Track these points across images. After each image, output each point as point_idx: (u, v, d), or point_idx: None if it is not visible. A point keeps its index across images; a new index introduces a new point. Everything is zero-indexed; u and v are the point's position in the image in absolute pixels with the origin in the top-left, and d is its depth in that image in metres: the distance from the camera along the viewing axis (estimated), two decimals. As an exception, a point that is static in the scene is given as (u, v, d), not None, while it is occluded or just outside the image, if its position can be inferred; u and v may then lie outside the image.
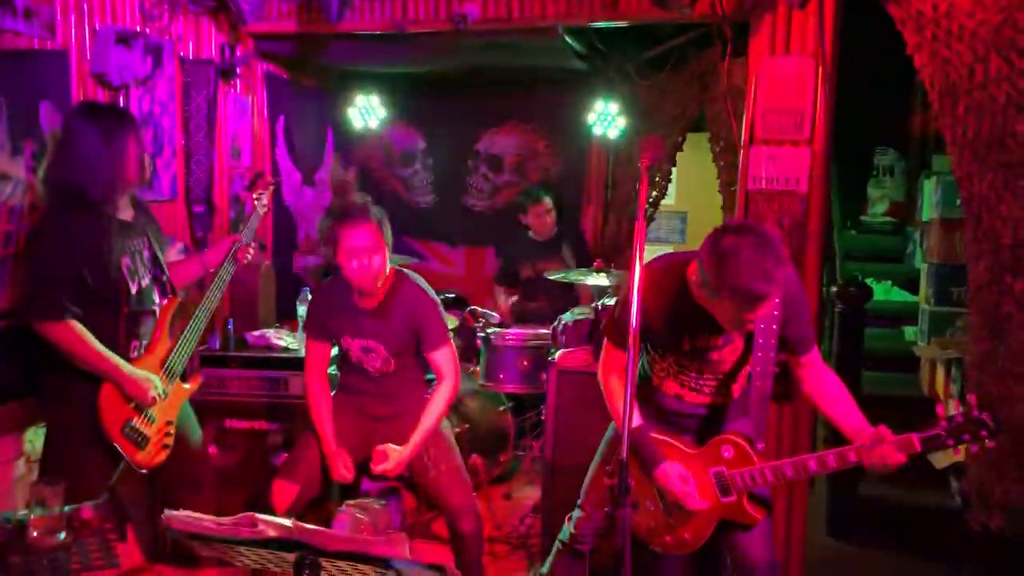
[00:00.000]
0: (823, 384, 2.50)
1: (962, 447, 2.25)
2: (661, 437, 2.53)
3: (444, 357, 3.14)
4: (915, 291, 5.70)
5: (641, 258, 1.99)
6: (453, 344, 3.19)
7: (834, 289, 4.55)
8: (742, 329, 2.30)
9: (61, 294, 2.57)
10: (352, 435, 3.19)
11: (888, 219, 6.81)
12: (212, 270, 3.10)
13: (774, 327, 2.36)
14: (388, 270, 3.05)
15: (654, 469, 2.45)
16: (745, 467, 2.43)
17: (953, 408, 2.29)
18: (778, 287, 2.14)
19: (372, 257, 2.93)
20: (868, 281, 4.98)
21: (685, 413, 2.57)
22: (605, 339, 2.61)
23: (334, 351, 3.32)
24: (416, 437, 3.06)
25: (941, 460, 4.43)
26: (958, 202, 3.11)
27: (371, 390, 3.21)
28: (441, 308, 3.17)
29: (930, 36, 2.91)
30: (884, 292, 6.00)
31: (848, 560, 4.02)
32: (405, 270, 3.19)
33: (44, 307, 2.58)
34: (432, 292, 3.18)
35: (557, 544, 2.87)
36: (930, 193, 5.37)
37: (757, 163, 3.36)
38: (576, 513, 2.78)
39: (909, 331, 5.57)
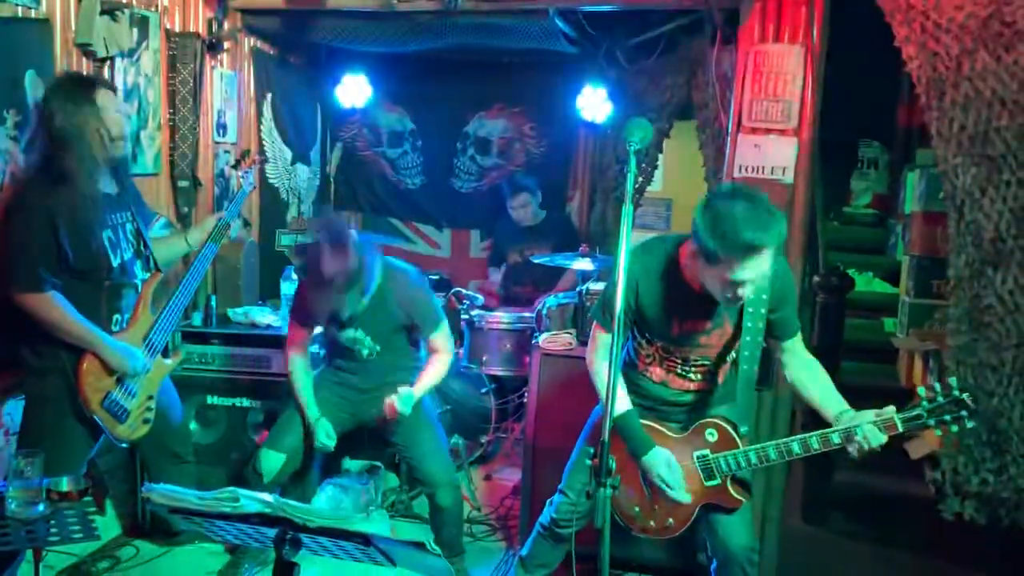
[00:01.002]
0: (806, 370, 2.51)
1: (940, 431, 2.28)
2: (646, 423, 2.54)
3: (440, 338, 3.22)
4: (896, 283, 5.73)
5: (628, 242, 1.99)
6: (446, 320, 3.24)
7: (816, 279, 4.57)
8: (735, 299, 2.28)
9: (41, 266, 2.54)
10: (337, 407, 3.23)
11: (871, 211, 6.83)
12: (196, 248, 3.07)
13: (763, 311, 2.37)
14: (376, 264, 3.02)
15: (642, 455, 2.46)
16: (729, 450, 2.45)
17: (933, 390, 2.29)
18: (772, 238, 2.14)
19: (350, 268, 2.86)
20: (850, 272, 5.00)
21: (670, 400, 2.58)
22: (593, 322, 2.61)
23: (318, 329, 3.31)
24: (419, 386, 3.13)
25: (917, 450, 4.48)
26: (941, 195, 3.12)
27: (357, 370, 3.25)
28: (431, 294, 3.22)
29: (918, 28, 2.92)
30: (865, 283, 6.02)
31: (822, 546, 4.06)
32: (394, 263, 3.19)
33: (24, 279, 2.55)
34: (421, 280, 3.21)
35: (537, 527, 2.88)
36: (913, 186, 5.39)
37: (743, 151, 3.37)
38: (558, 498, 2.79)
39: (889, 322, 5.60)
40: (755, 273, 2.19)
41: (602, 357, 2.50)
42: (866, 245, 6.44)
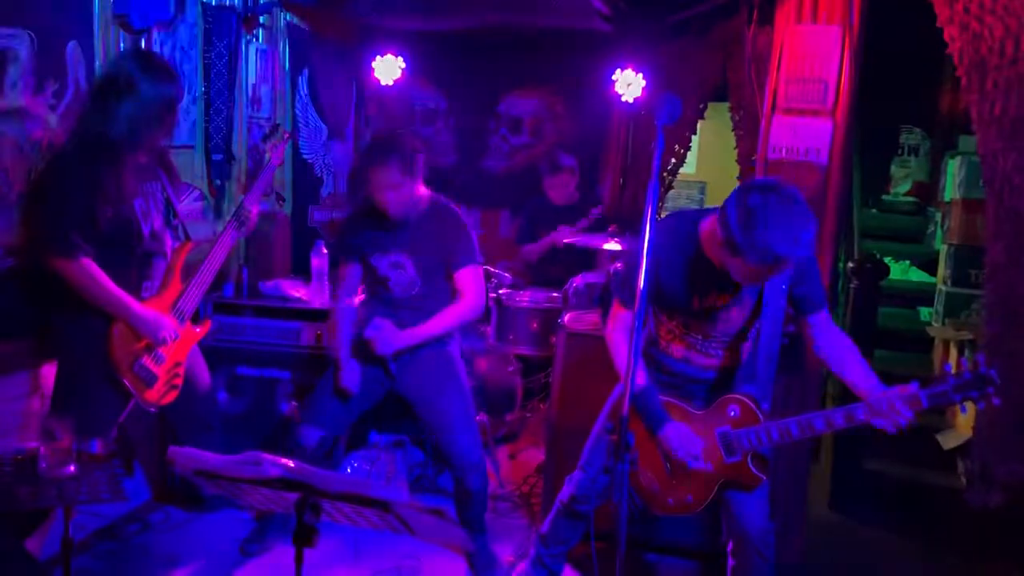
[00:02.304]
0: (834, 345, 2.47)
1: (968, 407, 2.21)
2: (667, 400, 2.54)
3: (468, 276, 3.12)
4: (933, 272, 5.65)
5: (652, 219, 1.98)
6: (481, 268, 3.19)
7: (850, 265, 4.52)
8: (756, 284, 2.29)
9: (74, 232, 2.59)
10: (372, 378, 3.20)
11: (910, 199, 6.73)
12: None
13: (783, 287, 2.35)
14: (423, 196, 3.10)
15: (659, 429, 2.46)
16: (751, 426, 2.43)
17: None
18: (804, 249, 2.10)
19: (399, 190, 2.98)
20: (886, 260, 4.93)
21: (691, 377, 2.57)
22: (614, 298, 2.60)
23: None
24: (411, 335, 3.06)
25: (949, 440, 4.43)
26: (981, 183, 3.06)
27: (396, 314, 3.16)
28: (472, 233, 3.17)
29: (961, 9, 2.85)
30: (901, 272, 5.94)
31: (849, 534, 4.03)
32: (442, 198, 3.21)
33: (57, 244, 2.60)
34: (466, 219, 3.20)
35: (556, 504, 2.89)
36: (954, 173, 5.30)
37: (778, 133, 3.32)
38: (577, 474, 2.80)
39: (924, 312, 5.53)
40: (780, 274, 2.19)
41: (621, 332, 2.52)
42: (904, 233, 6.35)
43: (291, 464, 1.79)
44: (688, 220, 2.42)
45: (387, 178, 2.97)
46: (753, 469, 2.45)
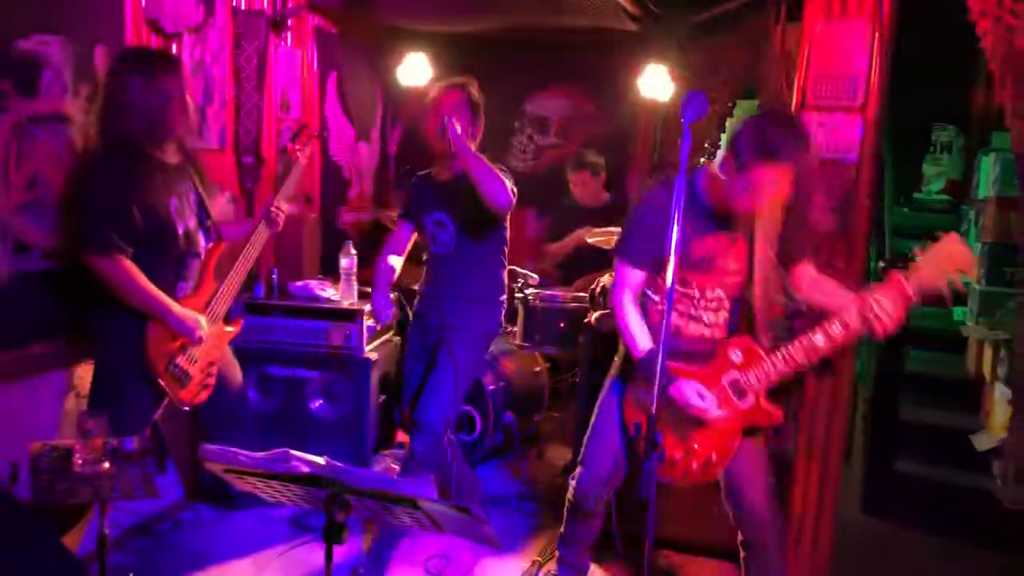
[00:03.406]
0: (819, 281, 2.60)
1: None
2: (671, 363, 2.52)
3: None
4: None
5: (680, 215, 1.99)
6: (512, 186, 3.18)
7: (881, 264, 4.47)
8: (756, 206, 2.39)
9: (112, 231, 2.64)
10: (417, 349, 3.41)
11: (943, 197, 6.63)
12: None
13: (773, 235, 2.47)
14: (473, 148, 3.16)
15: (669, 388, 2.45)
16: (757, 365, 2.46)
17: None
18: (803, 144, 2.31)
19: (452, 118, 3.09)
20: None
21: (684, 351, 2.55)
22: (616, 260, 2.64)
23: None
24: (467, 144, 3.11)
25: (983, 442, 4.36)
26: (1015, 180, 3.02)
27: (438, 276, 3.34)
28: (507, 175, 3.21)
29: (994, 2, 2.81)
30: (934, 271, 5.86)
31: (882, 537, 3.99)
32: None
33: (96, 243, 2.65)
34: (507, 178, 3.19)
35: (566, 504, 2.89)
36: (987, 170, 5.22)
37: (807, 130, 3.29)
38: (580, 471, 2.79)
39: (958, 311, 5.45)
40: (780, 183, 2.32)
41: (628, 295, 2.57)
42: (937, 232, 6.25)
43: (320, 461, 1.81)
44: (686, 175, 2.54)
45: (445, 100, 3.23)
46: (767, 408, 2.48)
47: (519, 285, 4.40)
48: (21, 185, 2.76)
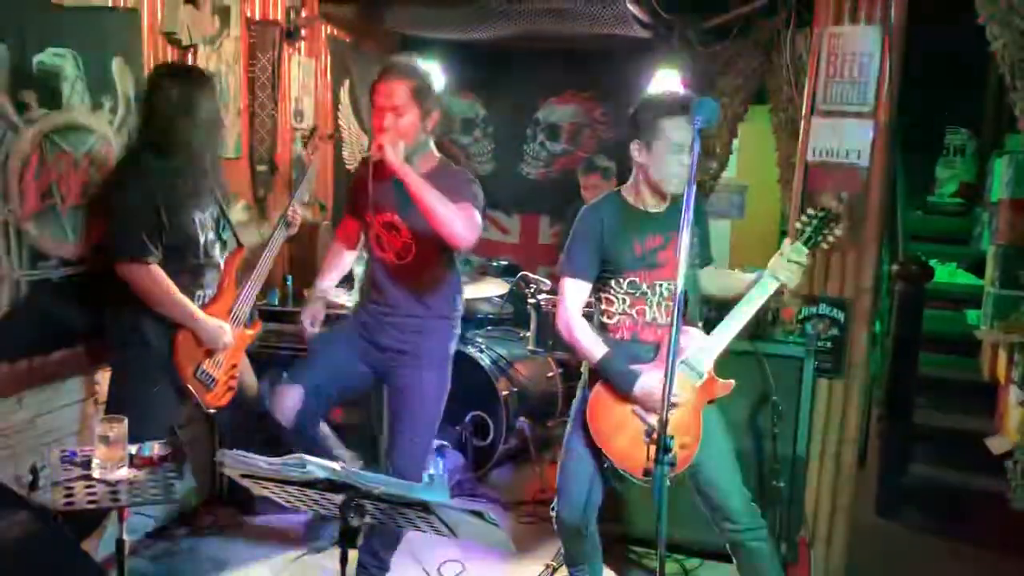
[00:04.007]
0: (721, 274, 2.81)
1: (826, 244, 2.57)
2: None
3: (469, 208, 2.74)
4: (980, 274, 5.54)
5: (688, 222, 2.01)
6: (476, 210, 2.75)
7: (894, 268, 4.46)
8: (680, 170, 2.52)
9: (146, 236, 2.69)
10: (354, 349, 2.96)
11: (957, 200, 6.61)
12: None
13: (695, 239, 2.58)
14: (433, 155, 2.85)
15: (635, 384, 2.51)
16: (698, 345, 2.55)
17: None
18: (695, 106, 2.29)
19: (398, 117, 2.68)
20: (932, 263, 4.85)
21: (641, 357, 2.60)
22: (562, 278, 2.68)
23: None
24: (410, 173, 2.63)
25: (997, 445, 4.33)
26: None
27: (384, 286, 2.89)
28: (477, 186, 2.83)
29: (1004, 5, 2.81)
30: (948, 274, 5.83)
31: (896, 540, 3.98)
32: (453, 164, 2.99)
33: (132, 247, 2.69)
34: (473, 178, 2.90)
35: (557, 531, 2.86)
36: (1000, 173, 5.19)
37: (818, 134, 3.30)
38: (556, 500, 2.79)
39: (972, 314, 5.42)
40: (686, 135, 2.43)
41: (575, 309, 2.63)
42: (951, 235, 6.24)
43: (335, 466, 1.83)
44: (609, 193, 2.77)
45: (386, 98, 2.68)
46: (720, 380, 2.59)
47: (531, 291, 4.42)
48: (38, 195, 2.80)
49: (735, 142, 4.90)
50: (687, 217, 2.03)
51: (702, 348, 2.55)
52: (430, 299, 2.89)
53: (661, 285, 2.60)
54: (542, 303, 4.33)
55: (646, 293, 2.61)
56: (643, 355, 2.60)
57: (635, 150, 2.59)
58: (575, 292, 2.65)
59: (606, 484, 2.75)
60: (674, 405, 2.49)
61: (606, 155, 5.24)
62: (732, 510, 2.62)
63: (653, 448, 1.86)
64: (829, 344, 3.31)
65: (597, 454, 2.64)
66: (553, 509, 2.83)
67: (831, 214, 2.56)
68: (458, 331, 3.01)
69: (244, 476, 1.93)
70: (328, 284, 3.13)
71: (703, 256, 2.76)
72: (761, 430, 3.18)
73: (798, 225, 2.60)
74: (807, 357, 3.15)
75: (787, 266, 2.52)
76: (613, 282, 2.64)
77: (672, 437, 1.89)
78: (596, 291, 2.69)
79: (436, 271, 2.90)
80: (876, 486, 4.28)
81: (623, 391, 2.55)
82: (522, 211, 6.07)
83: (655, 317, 2.61)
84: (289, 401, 2.89)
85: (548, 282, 4.58)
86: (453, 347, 3.00)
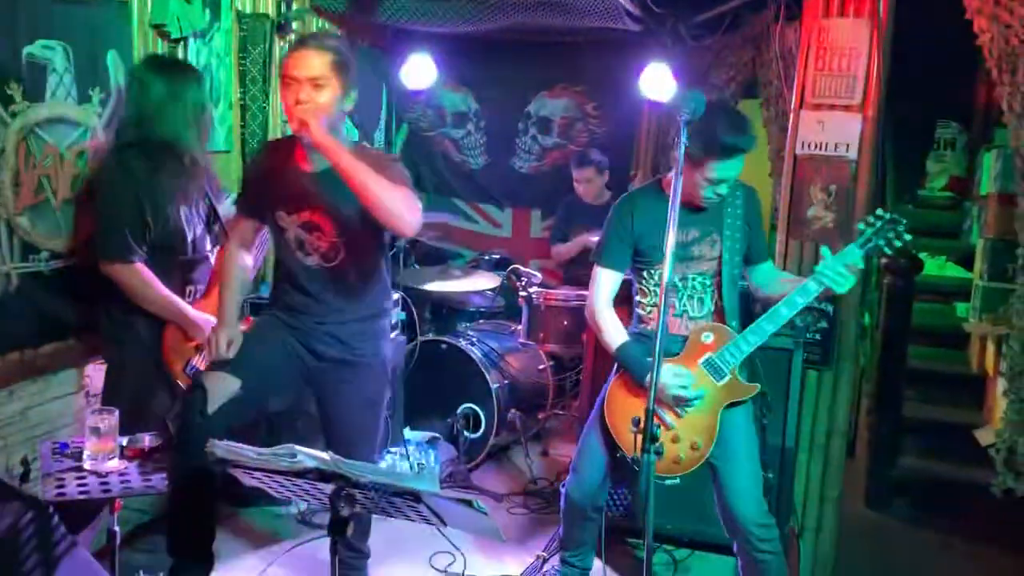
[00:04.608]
0: (773, 275, 2.77)
1: (889, 249, 2.52)
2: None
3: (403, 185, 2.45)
4: (970, 267, 5.57)
5: (675, 216, 2.03)
6: (410, 191, 2.45)
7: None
8: (716, 197, 2.54)
9: (131, 236, 2.68)
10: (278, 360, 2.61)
11: (947, 194, 6.64)
12: None
13: (739, 222, 2.63)
14: (346, 137, 2.54)
15: (645, 378, 2.49)
16: (728, 343, 2.55)
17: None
18: (747, 143, 2.48)
19: (317, 91, 2.36)
20: (921, 256, 4.88)
21: (666, 348, 2.54)
22: (595, 267, 2.71)
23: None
24: (344, 151, 2.34)
25: (986, 436, 4.37)
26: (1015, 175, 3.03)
27: (310, 292, 2.56)
28: (403, 167, 2.54)
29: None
30: (938, 268, 5.87)
31: (886, 532, 4.01)
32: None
33: (116, 248, 2.69)
34: (397, 157, 2.67)
35: (561, 511, 2.89)
36: (989, 166, 5.23)
37: (806, 127, 3.32)
38: (568, 477, 2.82)
39: (961, 307, 5.45)
40: (731, 173, 2.49)
41: (605, 299, 2.66)
42: (940, 228, 6.27)
43: (326, 456, 1.85)
44: (650, 182, 2.79)
45: (300, 69, 2.34)
46: (744, 381, 2.59)
47: (523, 283, 4.43)
48: (30, 188, 2.80)
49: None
50: (674, 205, 2.04)
51: (730, 348, 2.56)
52: (368, 299, 2.62)
53: (693, 279, 2.63)
54: (533, 296, 4.35)
55: (677, 286, 2.63)
56: (672, 347, 2.61)
57: (674, 156, 2.40)
58: (604, 281, 2.68)
59: (619, 477, 2.76)
60: (688, 403, 2.52)
61: (598, 149, 5.26)
62: (743, 518, 2.58)
63: (640, 437, 1.87)
64: (818, 336, 3.33)
65: (614, 444, 2.66)
66: (563, 486, 2.85)
67: (897, 219, 2.50)
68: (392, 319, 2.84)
69: (235, 466, 1.94)
70: (234, 308, 2.65)
71: (756, 253, 2.74)
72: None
73: (860, 226, 2.54)
74: (796, 349, 3.17)
75: (839, 271, 2.45)
76: (645, 273, 2.69)
77: (659, 426, 1.91)
78: (632, 282, 2.75)
79: (370, 268, 2.61)
80: (865, 478, 4.31)
81: (637, 380, 2.57)
82: (514, 205, 6.09)
83: (685, 310, 2.64)
84: (219, 389, 2.46)
85: (539, 275, 4.61)
86: (390, 348, 2.82)
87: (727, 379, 2.55)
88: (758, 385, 2.59)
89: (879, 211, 2.51)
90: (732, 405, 2.58)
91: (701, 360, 2.58)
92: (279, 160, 2.53)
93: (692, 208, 2.59)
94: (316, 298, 2.56)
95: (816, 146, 3.32)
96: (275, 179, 2.52)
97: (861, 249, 2.48)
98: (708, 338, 2.60)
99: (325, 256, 2.52)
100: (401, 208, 2.34)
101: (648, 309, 2.70)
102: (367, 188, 2.29)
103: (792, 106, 3.41)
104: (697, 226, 2.61)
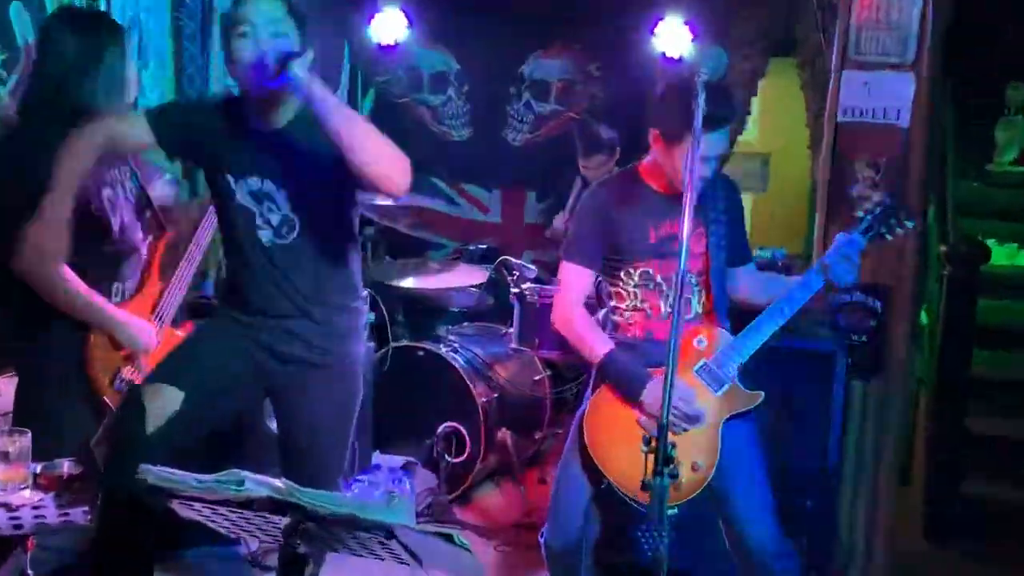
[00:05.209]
0: (759, 277, 2.85)
1: (891, 236, 2.58)
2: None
3: None
4: (1047, 256, 5.63)
5: (691, 189, 2.06)
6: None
7: (943, 248, 4.51)
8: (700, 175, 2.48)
9: None
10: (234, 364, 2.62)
11: (1019, 168, 6.67)
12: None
13: (720, 215, 2.67)
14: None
15: (642, 390, 2.53)
16: (724, 346, 2.59)
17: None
18: (729, 114, 2.57)
19: (277, 39, 2.36)
20: (988, 242, 4.91)
21: (651, 358, 2.61)
22: (561, 263, 2.73)
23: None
24: (328, 92, 2.38)
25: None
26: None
27: (264, 281, 2.55)
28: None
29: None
30: (1008, 256, 5.90)
31: (946, 570, 4.04)
32: None
33: (20, 243, 2.67)
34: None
35: (545, 561, 2.88)
36: (1070, 136, 5.27)
37: (850, 90, 3.34)
38: (546, 526, 2.82)
39: (1035, 304, 5.50)
40: (716, 149, 2.53)
41: (577, 301, 2.68)
42: (1011, 210, 6.30)
43: (279, 484, 1.85)
44: (625, 169, 2.81)
45: (265, 9, 2.37)
46: (746, 389, 2.61)
47: (514, 279, 4.44)
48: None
49: (754, 101, 4.95)
50: (687, 188, 2.05)
51: (727, 352, 2.58)
52: (336, 290, 2.61)
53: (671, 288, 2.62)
54: (527, 293, 4.35)
55: (661, 286, 2.64)
56: (658, 356, 2.57)
57: (653, 137, 2.61)
58: (575, 280, 2.69)
59: (606, 513, 2.77)
60: (691, 420, 2.54)
61: (602, 118, 5.26)
62: (757, 548, 2.59)
63: (652, 459, 1.88)
64: (865, 338, 3.35)
65: (597, 474, 2.65)
66: (542, 536, 2.85)
67: (898, 204, 2.59)
68: (365, 313, 2.86)
69: (171, 496, 1.95)
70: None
71: (738, 252, 2.78)
72: (781, 439, 3.20)
73: (859, 212, 2.62)
74: (839, 353, 3.19)
75: (840, 260, 2.53)
76: (622, 273, 2.67)
77: (675, 446, 1.92)
78: (604, 284, 2.74)
79: (334, 246, 2.59)
80: (923, 506, 4.33)
81: (629, 396, 2.57)
82: (504, 185, 6.08)
83: (666, 316, 2.63)
84: (159, 406, 2.46)
85: (534, 268, 4.60)
86: (363, 338, 2.82)
87: (727, 388, 2.58)
88: (762, 393, 2.61)
89: (875, 195, 2.63)
90: (734, 418, 2.60)
91: (695, 368, 2.60)
92: (236, 114, 2.52)
93: (672, 196, 2.61)
94: (276, 284, 2.54)
95: (862, 112, 3.34)
96: (214, 141, 2.52)
97: (864, 236, 2.55)
98: (701, 343, 2.61)
99: (277, 232, 2.53)
100: (395, 165, 2.35)
101: (627, 314, 2.69)
102: (358, 136, 2.31)
103: (833, 65, 3.42)
104: (680, 217, 2.61)
